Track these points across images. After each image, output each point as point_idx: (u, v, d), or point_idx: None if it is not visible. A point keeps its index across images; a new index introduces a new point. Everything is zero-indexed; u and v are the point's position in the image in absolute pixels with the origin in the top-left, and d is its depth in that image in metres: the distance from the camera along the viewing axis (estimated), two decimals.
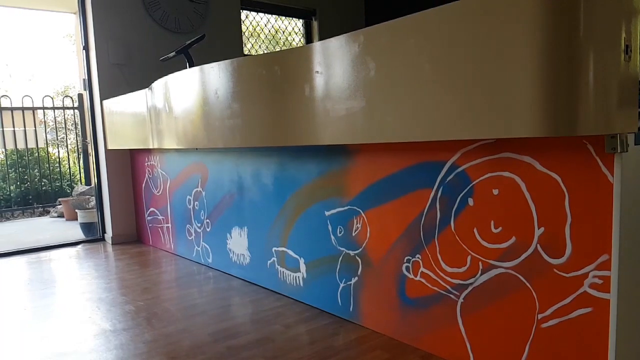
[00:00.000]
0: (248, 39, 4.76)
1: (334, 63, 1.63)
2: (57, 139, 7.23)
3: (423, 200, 1.65)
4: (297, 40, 5.15)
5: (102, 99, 3.72)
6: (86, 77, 3.89)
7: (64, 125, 6.75)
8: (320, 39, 5.10)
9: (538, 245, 1.35)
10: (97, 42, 3.67)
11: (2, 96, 5.81)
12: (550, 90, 1.10)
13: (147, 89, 2.90)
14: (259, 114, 1.97)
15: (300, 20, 5.13)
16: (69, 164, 6.46)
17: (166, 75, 2.55)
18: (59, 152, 6.61)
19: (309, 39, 5.19)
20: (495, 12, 1.17)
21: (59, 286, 2.67)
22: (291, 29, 5.10)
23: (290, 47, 5.15)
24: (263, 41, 4.94)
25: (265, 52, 4.96)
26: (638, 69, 1.15)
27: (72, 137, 6.31)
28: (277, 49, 5.07)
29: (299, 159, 2.17)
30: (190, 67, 2.76)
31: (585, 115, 1.08)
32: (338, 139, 1.67)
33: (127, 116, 3.30)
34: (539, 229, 1.35)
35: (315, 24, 5.12)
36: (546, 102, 1.10)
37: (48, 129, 6.22)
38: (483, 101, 1.21)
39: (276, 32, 5.04)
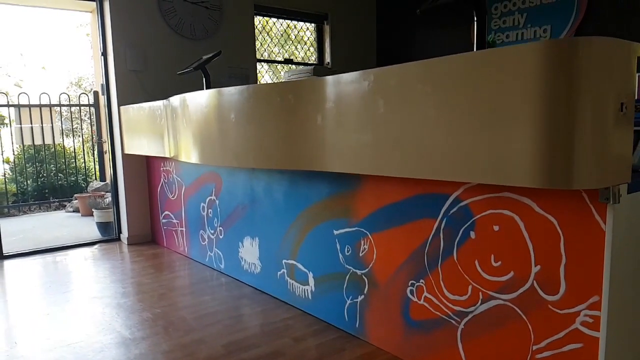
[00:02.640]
0: (260, 33, 4.81)
1: (345, 97, 1.71)
2: (72, 127, 7.33)
3: (427, 229, 1.74)
4: (308, 35, 5.20)
5: (119, 104, 3.84)
6: (104, 82, 4.00)
7: (78, 116, 6.85)
8: (332, 42, 5.18)
9: (535, 282, 1.44)
10: (115, 48, 3.78)
11: (20, 94, 5.95)
12: (548, 144, 1.18)
13: (165, 100, 3.00)
14: (272, 138, 2.06)
15: (312, 24, 5.19)
16: (84, 158, 6.61)
17: (182, 82, 2.64)
18: (74, 142, 6.71)
19: (320, 42, 5.25)
20: (497, 68, 1.25)
21: (78, 289, 2.80)
22: (302, 24, 5.14)
23: (302, 42, 5.21)
24: (272, 39, 5.00)
25: (276, 49, 5.04)
26: (632, 125, 1.23)
27: (85, 126, 6.43)
28: (287, 47, 5.15)
29: (310, 178, 2.27)
30: (206, 81, 2.86)
31: (581, 170, 1.16)
32: (347, 168, 1.76)
33: (144, 124, 3.40)
34: (535, 266, 1.43)
35: (327, 28, 5.18)
36: (544, 156, 1.18)
37: (62, 118, 6.33)
38: (484, 149, 1.29)
39: (287, 26, 5.09)
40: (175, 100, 2.77)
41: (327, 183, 2.17)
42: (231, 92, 2.25)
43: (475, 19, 1.41)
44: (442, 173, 1.42)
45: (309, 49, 5.26)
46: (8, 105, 5.99)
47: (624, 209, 1.27)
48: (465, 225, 1.61)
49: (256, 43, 4.61)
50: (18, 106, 5.92)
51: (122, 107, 3.80)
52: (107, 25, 3.82)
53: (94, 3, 3.87)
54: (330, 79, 1.78)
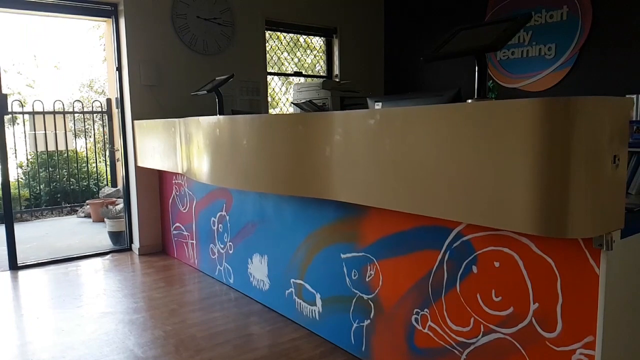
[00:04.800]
0: (270, 36, 4.88)
1: (353, 132, 1.79)
2: (85, 131, 7.40)
3: (432, 260, 1.82)
4: (317, 40, 5.28)
5: (133, 118, 3.93)
6: (118, 96, 4.10)
7: (90, 118, 6.91)
8: (340, 55, 5.26)
9: (533, 318, 1.51)
10: (129, 64, 3.88)
11: (35, 101, 6.09)
12: (544, 195, 1.25)
13: (179, 119, 3.09)
14: (283, 165, 2.14)
15: (322, 38, 5.27)
16: (96, 162, 6.72)
17: (195, 97, 2.71)
18: (86, 143, 6.75)
19: (329, 55, 5.34)
20: (496, 120, 1.32)
21: (92, 304, 2.90)
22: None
23: (310, 47, 5.29)
24: (281, 42, 5.08)
25: (285, 54, 5.13)
26: (625, 175, 1.29)
27: (97, 127, 6.53)
28: (296, 52, 5.23)
29: (319, 201, 2.34)
30: (219, 102, 2.94)
31: (575, 220, 1.23)
32: (354, 199, 1.83)
33: (158, 140, 3.50)
34: (534, 303, 1.50)
35: (336, 41, 5.26)
36: (540, 206, 1.25)
37: (75, 120, 6.43)
38: (484, 193, 1.36)
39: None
40: (191, 121, 2.86)
41: (335, 207, 2.25)
42: (244, 120, 2.33)
43: (477, 67, 1.48)
44: (444, 212, 1.49)
45: (317, 54, 5.35)
46: (23, 113, 6.12)
47: (617, 254, 1.34)
48: (468, 260, 1.69)
49: (265, 47, 4.69)
50: (32, 113, 6.06)
51: (136, 122, 3.90)
52: (122, 41, 3.92)
53: (110, 19, 3.98)
54: (338, 114, 1.85)
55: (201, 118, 2.69)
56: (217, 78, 3.03)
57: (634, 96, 3.36)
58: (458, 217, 1.46)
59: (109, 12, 3.96)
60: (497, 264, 1.60)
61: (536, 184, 1.25)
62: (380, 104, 2.31)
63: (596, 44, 3.75)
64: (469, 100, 1.48)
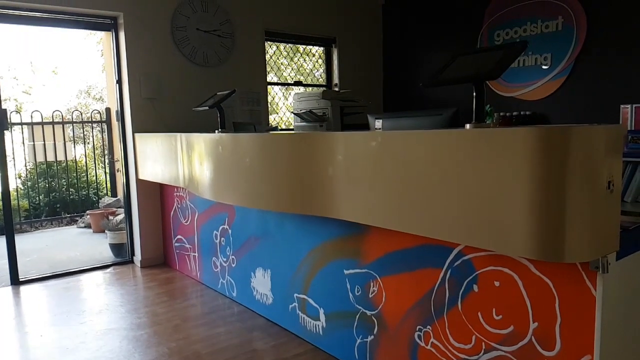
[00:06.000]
0: (270, 47, 4.93)
1: (355, 153, 1.83)
2: (84, 141, 7.40)
3: (434, 277, 1.85)
4: (317, 48, 5.34)
5: (134, 131, 3.97)
6: (119, 109, 4.13)
7: (89, 126, 6.91)
8: (339, 64, 5.31)
9: (533, 337, 1.54)
10: (130, 77, 3.92)
11: (34, 111, 6.12)
12: (541, 221, 1.29)
13: (181, 134, 3.12)
14: (285, 184, 2.18)
15: (321, 47, 5.32)
16: (95, 170, 6.74)
17: (197, 109, 2.72)
18: (85, 149, 6.74)
19: (329, 64, 5.38)
20: (494, 147, 1.36)
21: (95, 320, 2.92)
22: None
23: (309, 54, 5.35)
24: (281, 52, 5.13)
25: (285, 60, 5.18)
26: (619, 200, 1.34)
27: (95, 132, 6.55)
28: (296, 60, 5.28)
29: (322, 217, 2.37)
30: (221, 118, 2.97)
31: (571, 245, 1.27)
32: (356, 218, 1.87)
33: (159, 154, 3.53)
34: (533, 322, 1.54)
35: (335, 51, 5.31)
36: (537, 231, 1.29)
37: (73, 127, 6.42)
38: (483, 217, 1.40)
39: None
40: (193, 137, 2.90)
41: (338, 224, 2.28)
42: (248, 138, 2.37)
43: (475, 94, 1.52)
44: (444, 234, 1.53)
45: (317, 61, 5.39)
46: (21, 124, 6.14)
47: (613, 275, 1.38)
48: (469, 278, 1.72)
49: (265, 57, 4.73)
50: (31, 124, 6.09)
51: (137, 135, 3.93)
52: (122, 54, 3.95)
53: (110, 32, 4.02)
54: (341, 135, 1.89)
55: (204, 135, 2.73)
56: (218, 93, 3.06)
57: (629, 106, 3.41)
58: (458, 239, 1.50)
59: (109, 26, 4.00)
60: (497, 284, 1.64)
61: (534, 210, 1.29)
62: (380, 121, 2.36)
63: (591, 54, 3.81)
64: (467, 126, 1.52)
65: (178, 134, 3.19)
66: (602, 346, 1.38)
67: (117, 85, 4.06)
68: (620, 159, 1.35)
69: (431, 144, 1.55)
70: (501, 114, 4.26)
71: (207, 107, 2.92)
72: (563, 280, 1.45)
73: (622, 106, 3.44)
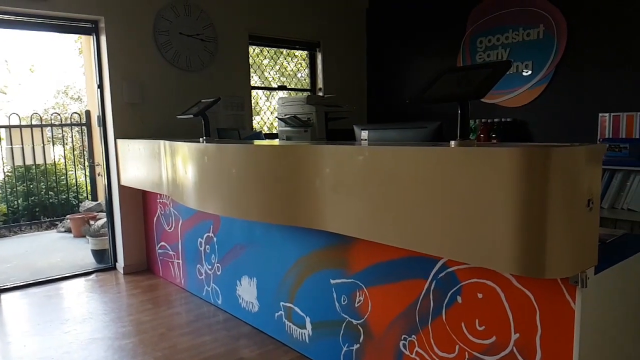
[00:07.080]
0: (254, 50, 4.92)
1: (342, 166, 1.85)
2: (64, 143, 7.28)
3: (418, 288, 1.89)
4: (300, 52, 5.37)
5: (116, 136, 3.92)
6: (100, 114, 4.08)
7: (69, 124, 6.79)
8: (324, 69, 5.33)
9: (514, 348, 1.59)
10: (111, 81, 3.87)
11: (12, 114, 6.00)
12: (522, 238, 1.32)
13: (165, 141, 3.10)
14: (272, 195, 2.19)
15: (305, 51, 5.34)
16: (75, 173, 6.63)
17: (181, 117, 2.72)
18: (64, 150, 6.64)
19: (313, 68, 5.40)
20: (477, 165, 1.39)
21: (79, 329, 2.89)
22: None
23: (292, 55, 5.36)
24: (264, 55, 5.13)
25: (266, 61, 5.18)
26: (598, 217, 1.39)
27: (74, 132, 6.43)
28: (280, 60, 5.28)
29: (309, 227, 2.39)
30: (205, 126, 2.96)
31: (552, 261, 1.31)
32: (343, 230, 1.89)
33: (141, 160, 3.50)
34: (515, 334, 1.59)
35: (319, 55, 5.33)
36: (519, 248, 1.33)
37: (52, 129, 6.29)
38: (466, 233, 1.44)
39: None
40: (177, 145, 2.88)
41: (325, 234, 2.30)
42: (234, 148, 2.37)
43: (460, 112, 1.55)
44: (428, 248, 1.57)
45: (300, 64, 5.40)
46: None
47: (591, 289, 1.43)
48: (453, 290, 1.76)
49: (249, 61, 4.73)
50: (9, 127, 5.96)
51: (119, 140, 3.89)
52: (103, 58, 3.90)
53: (91, 36, 3.96)
54: (329, 148, 1.91)
55: (189, 144, 2.72)
56: (202, 100, 3.05)
57: (607, 114, 3.51)
58: (442, 253, 1.53)
59: (90, 30, 3.94)
60: (480, 295, 1.68)
61: (516, 227, 1.33)
62: (366, 132, 2.39)
63: (571, 63, 3.90)
64: (452, 143, 1.56)
65: (162, 141, 3.16)
66: (580, 357, 1.43)
67: (99, 90, 4.01)
68: (599, 178, 1.40)
69: (417, 160, 1.58)
70: (482, 120, 4.34)
71: (191, 115, 2.91)
72: (544, 293, 1.50)
73: (600, 114, 3.54)
